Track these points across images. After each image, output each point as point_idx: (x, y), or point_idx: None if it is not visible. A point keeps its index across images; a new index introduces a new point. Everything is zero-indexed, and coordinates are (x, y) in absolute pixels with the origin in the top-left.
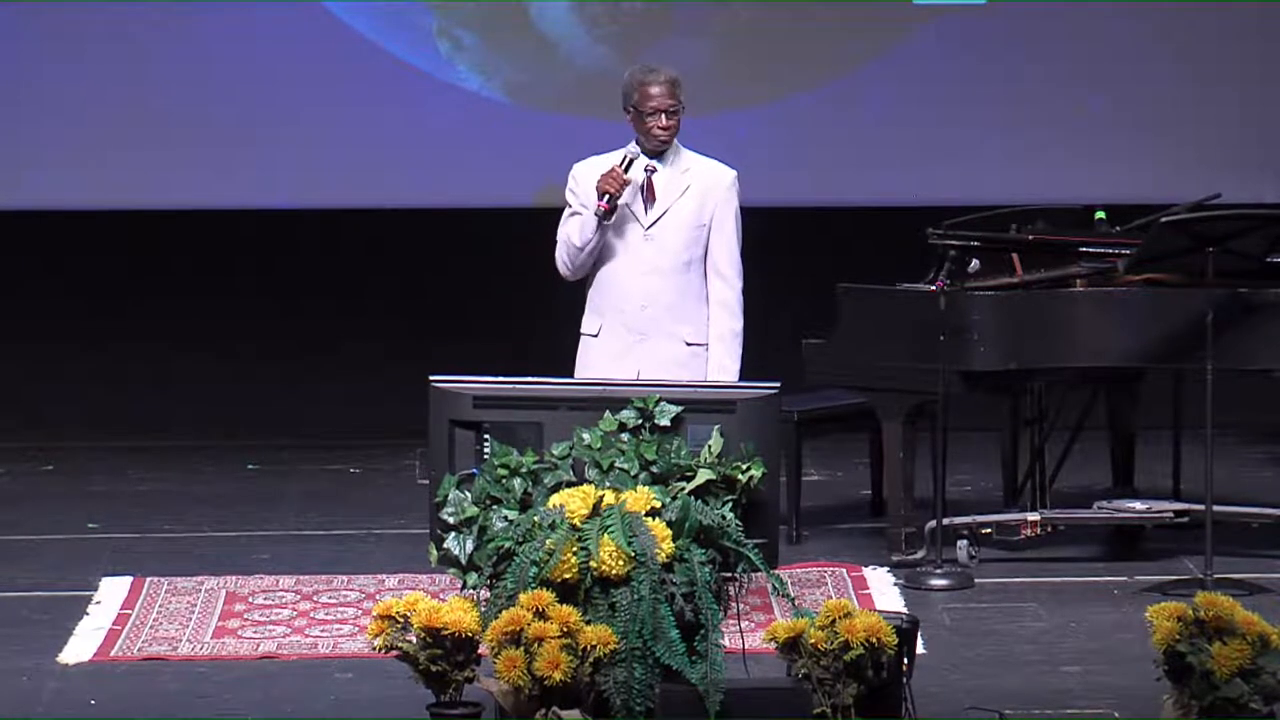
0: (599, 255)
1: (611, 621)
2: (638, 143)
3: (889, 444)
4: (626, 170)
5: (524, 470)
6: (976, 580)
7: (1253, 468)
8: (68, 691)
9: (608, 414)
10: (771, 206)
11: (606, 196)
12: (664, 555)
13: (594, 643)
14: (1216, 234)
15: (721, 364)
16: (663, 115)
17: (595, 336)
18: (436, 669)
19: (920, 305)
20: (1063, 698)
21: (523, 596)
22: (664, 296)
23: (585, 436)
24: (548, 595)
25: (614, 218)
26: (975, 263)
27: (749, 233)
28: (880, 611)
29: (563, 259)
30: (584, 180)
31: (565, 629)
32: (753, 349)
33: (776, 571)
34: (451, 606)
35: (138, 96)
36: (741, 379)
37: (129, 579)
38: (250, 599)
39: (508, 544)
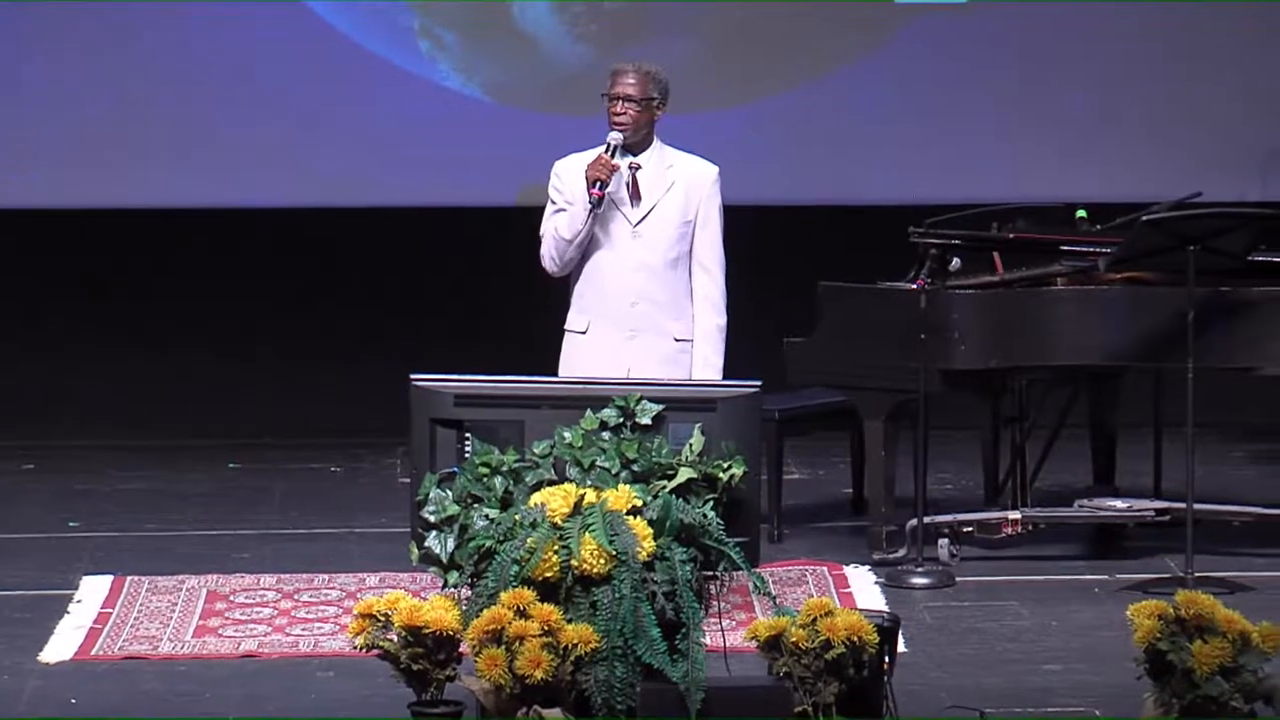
0: (586, 253)
1: (593, 620)
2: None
3: (870, 442)
4: (613, 157)
5: (505, 469)
6: (957, 579)
7: (1234, 466)
8: (48, 690)
9: (589, 412)
10: (754, 205)
11: (598, 184)
12: (645, 554)
13: (575, 641)
14: (1198, 232)
15: (706, 359)
16: (618, 102)
17: (583, 334)
18: (418, 667)
19: (901, 304)
20: (1044, 696)
21: (504, 595)
22: (653, 293)
23: (566, 435)
24: (529, 594)
25: (602, 206)
26: (956, 261)
27: (732, 231)
28: (861, 610)
29: (550, 254)
30: (566, 177)
31: (546, 628)
32: (735, 347)
33: (757, 570)
34: (433, 605)
35: (119, 97)
36: (725, 376)
37: (110, 578)
38: (231, 598)
39: (489, 543)
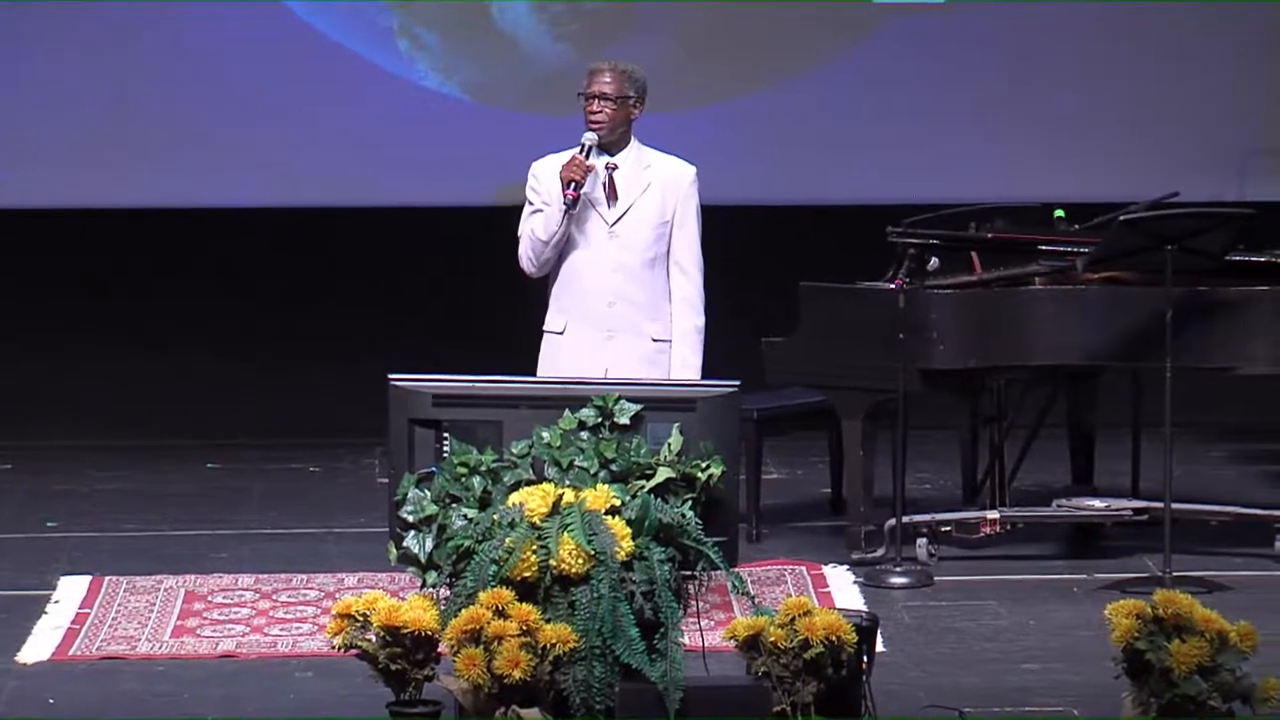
0: (563, 254)
1: (571, 620)
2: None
3: (849, 442)
4: (587, 157)
5: (483, 469)
6: (936, 578)
7: (1211, 465)
8: (26, 691)
9: (567, 412)
10: (734, 205)
11: (573, 185)
12: (623, 553)
13: (553, 641)
14: (1175, 232)
15: (685, 360)
16: (594, 101)
17: (561, 334)
18: (396, 667)
19: (880, 304)
20: (1022, 695)
21: (482, 595)
22: (631, 293)
23: (545, 435)
24: (507, 594)
25: (578, 207)
26: (935, 261)
27: (712, 231)
28: (840, 609)
29: (527, 255)
30: (544, 178)
31: (525, 627)
32: (714, 347)
33: (736, 570)
34: (411, 605)
35: (98, 96)
36: (703, 376)
37: (88, 578)
38: (209, 598)
39: (467, 542)
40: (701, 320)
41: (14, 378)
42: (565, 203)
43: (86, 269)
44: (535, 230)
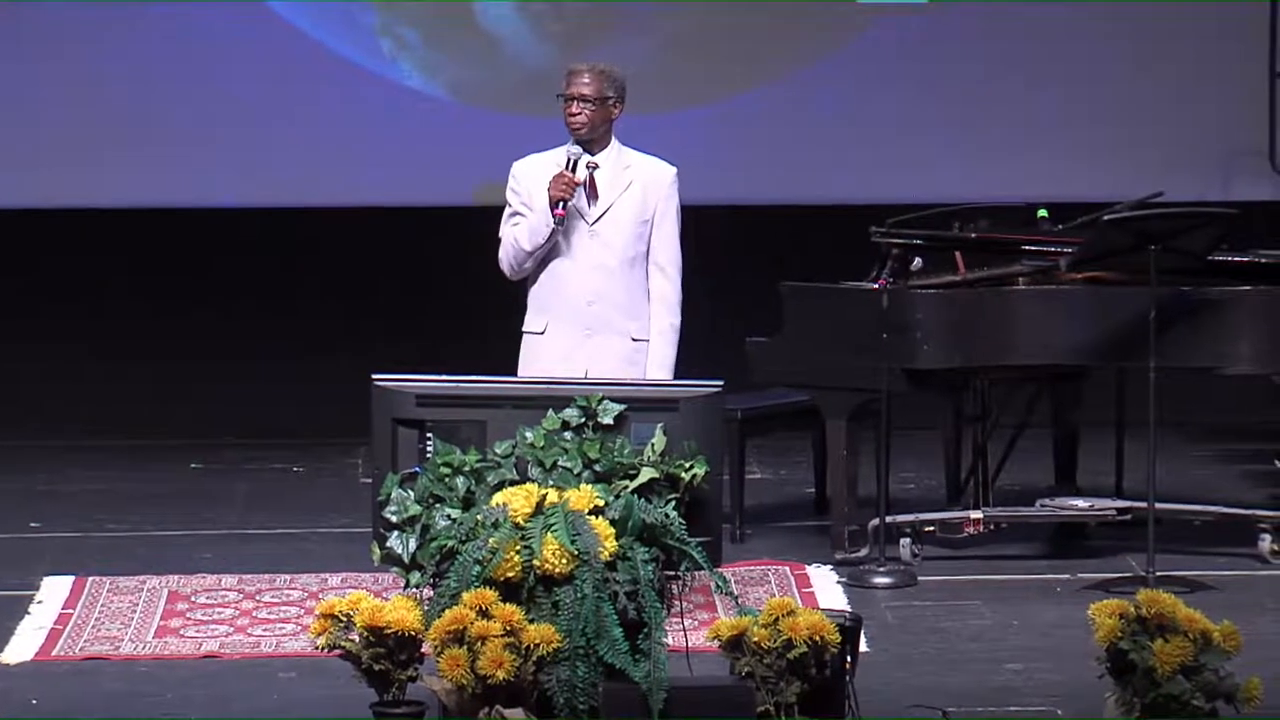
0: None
1: (555, 620)
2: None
3: (832, 442)
4: (573, 171)
5: (467, 469)
6: (919, 578)
7: (1195, 465)
8: (9, 691)
9: (551, 412)
10: (717, 205)
11: (560, 204)
12: (607, 554)
13: (537, 641)
14: (1159, 232)
15: (661, 360)
16: (573, 103)
17: (541, 334)
18: (379, 668)
19: (864, 303)
20: (1006, 695)
21: (466, 595)
22: (610, 293)
23: (528, 435)
24: (491, 594)
25: (564, 224)
26: (918, 261)
27: (697, 231)
28: (823, 609)
29: (508, 260)
30: (524, 178)
31: (508, 628)
32: (699, 347)
33: (719, 569)
34: (394, 605)
35: (77, 95)
36: (683, 376)
37: (71, 578)
38: (193, 598)
39: (451, 543)
40: (678, 320)
41: None
42: (555, 222)
43: (70, 269)
44: (519, 240)
